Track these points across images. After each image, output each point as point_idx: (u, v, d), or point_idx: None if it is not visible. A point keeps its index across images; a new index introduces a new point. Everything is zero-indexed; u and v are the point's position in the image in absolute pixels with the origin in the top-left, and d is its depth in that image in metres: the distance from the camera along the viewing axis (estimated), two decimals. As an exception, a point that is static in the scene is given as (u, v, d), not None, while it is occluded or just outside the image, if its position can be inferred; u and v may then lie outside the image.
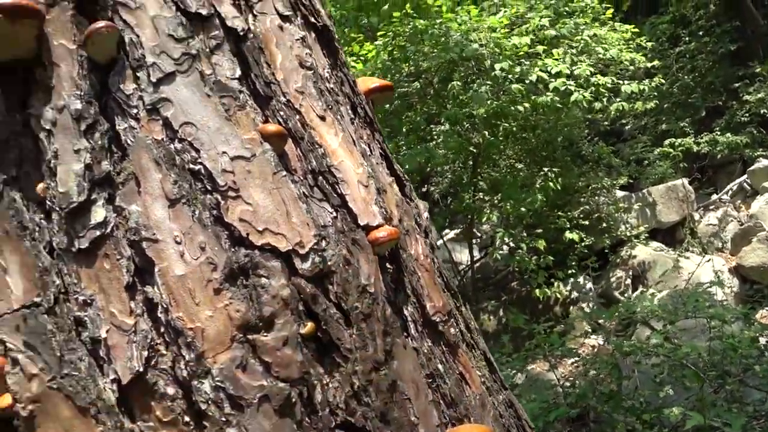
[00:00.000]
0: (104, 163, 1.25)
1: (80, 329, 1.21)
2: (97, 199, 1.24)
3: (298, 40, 1.52)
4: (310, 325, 1.25)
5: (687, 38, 12.96)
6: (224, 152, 1.29)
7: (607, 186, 10.42)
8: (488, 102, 8.34)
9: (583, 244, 9.66)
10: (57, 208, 1.24)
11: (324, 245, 1.31)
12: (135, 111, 1.28)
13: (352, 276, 1.33)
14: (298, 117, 1.43)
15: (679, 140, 11.21)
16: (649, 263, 9.94)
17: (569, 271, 9.79)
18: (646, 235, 10.41)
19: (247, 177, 1.29)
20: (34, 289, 1.24)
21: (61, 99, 1.27)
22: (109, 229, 1.23)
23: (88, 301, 1.21)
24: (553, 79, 8.46)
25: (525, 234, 9.48)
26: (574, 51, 9.25)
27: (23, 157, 1.30)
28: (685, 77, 12.50)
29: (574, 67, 8.81)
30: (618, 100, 9.48)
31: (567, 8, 9.80)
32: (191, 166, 1.27)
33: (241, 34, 1.40)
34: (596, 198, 10.38)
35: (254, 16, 1.46)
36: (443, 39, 8.51)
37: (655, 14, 13.72)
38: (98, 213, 1.23)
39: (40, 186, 1.27)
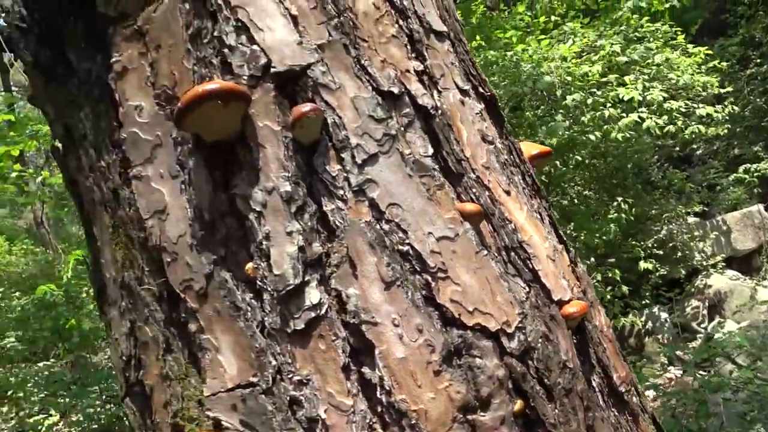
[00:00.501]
0: (315, 245, 1.28)
1: (295, 408, 1.23)
2: (310, 281, 1.26)
3: (477, 113, 1.54)
4: (519, 402, 1.26)
5: (758, 60, 12.71)
6: (430, 233, 1.30)
7: (681, 214, 10.23)
8: (560, 132, 8.28)
9: (657, 273, 9.48)
10: (270, 290, 1.26)
11: (525, 322, 1.32)
12: (341, 192, 1.30)
13: (552, 352, 1.33)
14: (488, 193, 1.44)
15: (755, 165, 10.96)
16: (725, 293, 9.72)
17: (643, 302, 9.62)
18: (722, 263, 10.18)
19: (453, 257, 1.31)
20: (249, 369, 1.27)
21: (269, 181, 1.30)
22: (323, 311, 1.25)
23: (304, 381, 1.24)
24: (625, 114, 8.36)
25: (597, 264, 9.34)
26: (645, 77, 9.13)
27: (229, 237, 1.33)
28: (757, 100, 12.25)
29: (646, 93, 8.69)
30: (693, 123, 9.30)
31: (637, 33, 9.70)
32: (400, 247, 1.29)
33: (431, 111, 1.43)
34: (670, 226, 10.18)
35: (439, 92, 1.49)
36: (514, 70, 8.49)
37: (723, 36, 13.50)
38: (312, 295, 1.26)
39: (249, 266, 1.30)
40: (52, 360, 9.86)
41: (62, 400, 8.16)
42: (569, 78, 8.42)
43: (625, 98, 8.40)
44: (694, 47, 9.74)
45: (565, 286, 1.43)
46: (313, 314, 1.25)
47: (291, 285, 1.25)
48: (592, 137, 8.55)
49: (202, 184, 1.35)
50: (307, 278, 1.26)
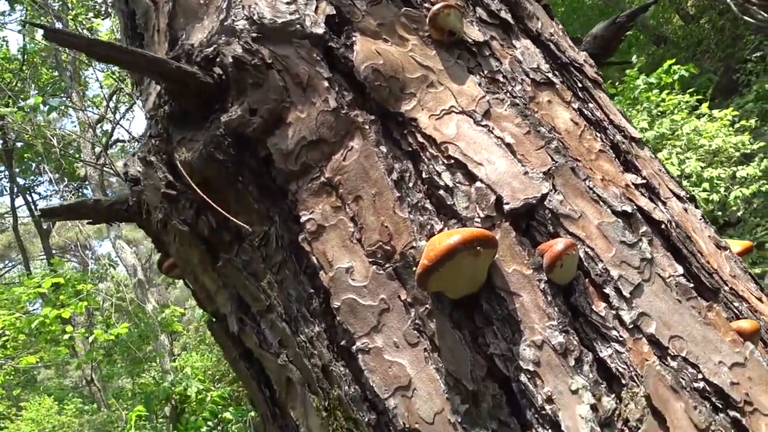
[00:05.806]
0: (606, 400, 1.11)
1: None
2: (608, 442, 1.09)
3: (700, 219, 1.41)
4: None
5: (779, 112, 12.67)
6: (721, 362, 1.14)
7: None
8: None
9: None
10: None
11: None
12: (615, 333, 1.15)
13: None
14: (746, 305, 1.29)
15: (801, 218, 10.73)
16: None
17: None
18: (793, 321, 9.77)
19: (752, 385, 1.14)
20: None
21: (535, 333, 1.15)
22: (633, 474, 1.08)
23: None
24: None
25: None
26: (678, 150, 9.06)
27: (495, 405, 1.16)
28: (788, 151, 12.12)
29: (683, 166, 8.60)
30: (736, 187, 9.16)
31: (660, 108, 9.70)
32: (695, 384, 1.12)
33: (666, 226, 1.29)
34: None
35: (663, 203, 1.36)
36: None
37: (736, 95, 13.52)
38: (614, 456, 1.08)
39: (527, 436, 1.13)
40: None
41: None
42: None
43: (664, 176, 8.26)
44: (720, 110, 9.70)
45: None
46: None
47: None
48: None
49: (456, 349, 1.18)
50: (605, 440, 1.09)
